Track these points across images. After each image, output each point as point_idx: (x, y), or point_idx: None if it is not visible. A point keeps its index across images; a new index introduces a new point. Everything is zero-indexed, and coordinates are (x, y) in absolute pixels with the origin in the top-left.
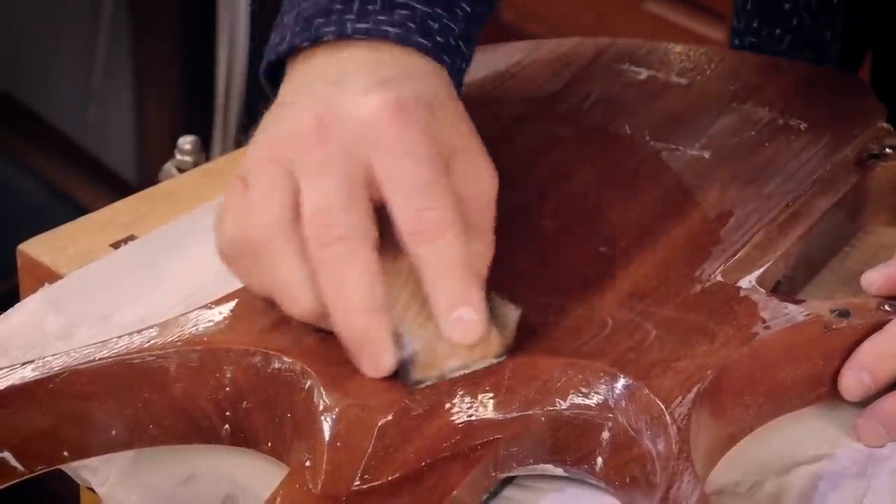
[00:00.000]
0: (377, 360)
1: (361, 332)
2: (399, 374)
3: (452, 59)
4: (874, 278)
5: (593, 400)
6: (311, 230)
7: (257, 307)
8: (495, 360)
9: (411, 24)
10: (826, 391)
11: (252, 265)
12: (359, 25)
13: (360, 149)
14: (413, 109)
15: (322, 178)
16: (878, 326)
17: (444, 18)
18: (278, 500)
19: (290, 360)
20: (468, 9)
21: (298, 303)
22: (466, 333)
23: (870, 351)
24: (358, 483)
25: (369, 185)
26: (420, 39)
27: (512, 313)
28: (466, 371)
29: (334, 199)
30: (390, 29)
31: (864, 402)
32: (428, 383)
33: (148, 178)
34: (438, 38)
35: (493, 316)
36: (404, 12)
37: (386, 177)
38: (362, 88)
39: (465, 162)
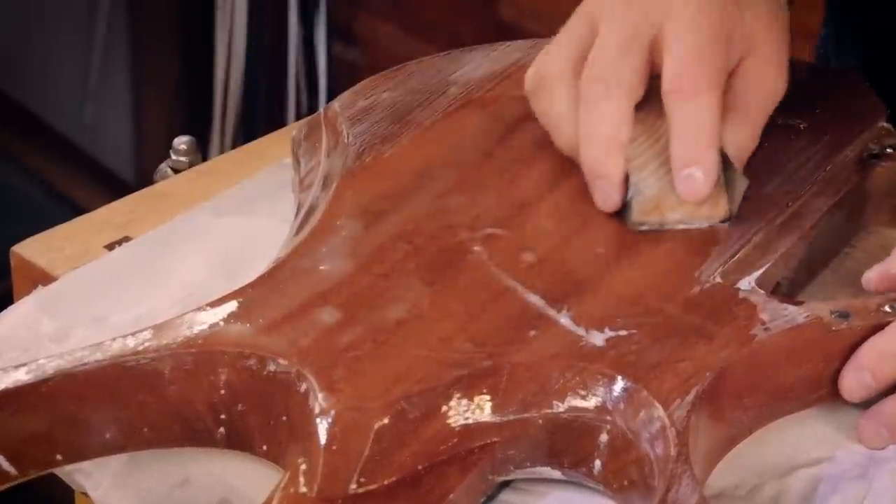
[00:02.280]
0: (606, 193)
1: (598, 164)
2: (623, 213)
3: None
4: (870, 276)
5: (591, 402)
6: (586, 71)
7: (253, 309)
8: (718, 222)
9: None
10: (826, 393)
11: (540, 98)
12: None
13: (655, 12)
14: None
15: (613, 32)
16: (878, 328)
17: None
18: (274, 503)
19: (286, 363)
20: None
21: (563, 134)
22: (692, 190)
23: (871, 351)
24: (354, 486)
25: (654, 47)
26: None
27: (741, 183)
28: (688, 226)
29: (614, 49)
30: None
31: (865, 404)
32: (647, 227)
33: (145, 178)
34: None
35: (726, 183)
36: None
37: (667, 41)
38: None
39: (759, 58)
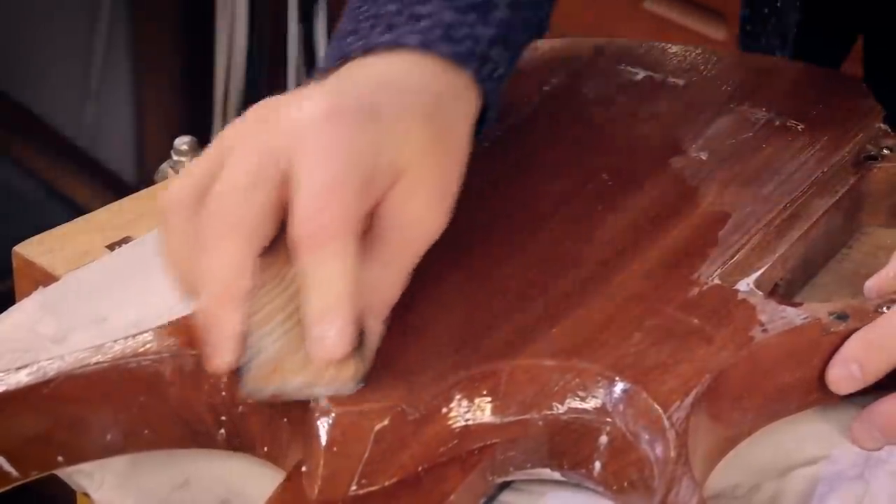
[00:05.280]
0: (216, 352)
1: (211, 317)
2: (238, 375)
3: (481, 64)
4: (870, 286)
5: (591, 404)
6: (206, 207)
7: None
8: (346, 389)
9: (437, 31)
10: (824, 394)
11: (160, 229)
12: (381, 39)
13: (284, 144)
14: (347, 116)
15: (239, 164)
16: None
17: (474, 25)
18: None
19: None
20: (503, 15)
21: (177, 275)
22: (324, 350)
23: (858, 342)
24: (355, 488)
25: (283, 183)
26: (442, 46)
27: (374, 337)
28: (310, 392)
29: (236, 185)
30: (411, 37)
31: (863, 402)
32: (266, 394)
33: (146, 178)
34: (465, 45)
35: (359, 345)
36: (427, 23)
37: (295, 178)
38: (314, 92)
39: (408, 189)
